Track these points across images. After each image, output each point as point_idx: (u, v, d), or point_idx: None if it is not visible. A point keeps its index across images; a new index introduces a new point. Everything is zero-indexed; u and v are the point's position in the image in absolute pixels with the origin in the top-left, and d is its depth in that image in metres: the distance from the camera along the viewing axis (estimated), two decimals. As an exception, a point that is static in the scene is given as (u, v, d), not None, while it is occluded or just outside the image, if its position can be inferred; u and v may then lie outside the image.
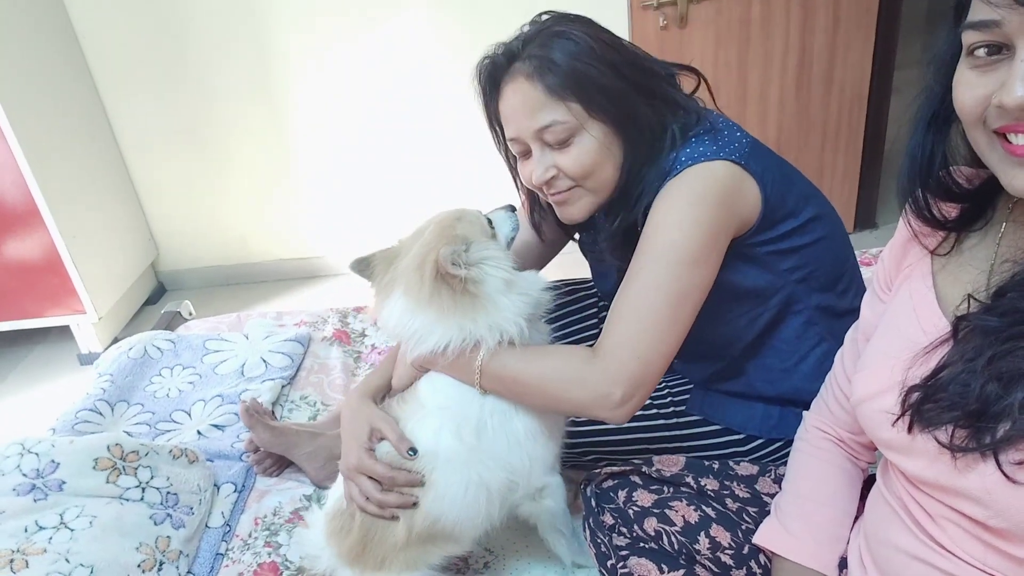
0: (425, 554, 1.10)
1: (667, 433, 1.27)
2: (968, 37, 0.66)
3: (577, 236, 1.36)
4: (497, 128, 1.17)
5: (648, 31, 2.55)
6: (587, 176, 1.08)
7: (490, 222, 1.14)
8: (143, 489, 1.33)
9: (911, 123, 0.76)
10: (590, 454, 1.31)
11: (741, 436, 1.23)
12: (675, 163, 1.04)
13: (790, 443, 1.03)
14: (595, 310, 1.51)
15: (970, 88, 0.66)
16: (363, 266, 1.14)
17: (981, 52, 0.65)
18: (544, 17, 1.11)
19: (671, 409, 1.28)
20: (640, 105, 1.05)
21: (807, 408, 1.03)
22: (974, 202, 0.76)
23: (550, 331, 1.17)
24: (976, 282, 0.73)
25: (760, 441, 1.23)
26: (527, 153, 1.11)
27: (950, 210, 0.78)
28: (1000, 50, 0.64)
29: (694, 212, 1.00)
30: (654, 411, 1.28)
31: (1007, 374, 0.64)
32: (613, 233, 1.11)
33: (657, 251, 1.00)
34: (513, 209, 1.19)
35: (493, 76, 1.11)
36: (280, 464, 1.52)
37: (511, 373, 1.03)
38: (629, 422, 1.26)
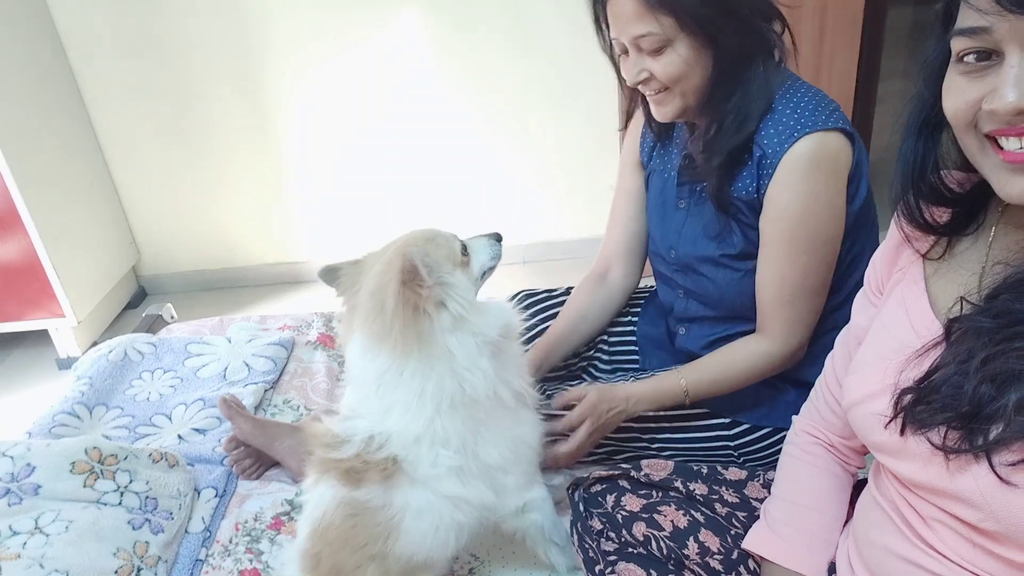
0: None
1: (654, 414, 1.31)
2: (957, 44, 0.66)
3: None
4: (603, 25, 1.21)
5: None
6: (676, 82, 1.14)
7: (465, 248, 1.10)
8: (121, 493, 1.30)
9: (902, 129, 0.77)
10: None
11: (727, 420, 1.29)
12: (792, 128, 1.10)
13: (776, 432, 1.04)
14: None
15: (960, 94, 0.67)
16: (331, 275, 1.12)
17: (971, 58, 0.65)
18: None
19: None
20: (728, 31, 1.10)
21: (805, 389, 1.05)
22: (965, 206, 0.77)
23: (524, 352, 1.20)
24: (968, 285, 0.73)
25: (746, 427, 1.28)
26: (627, 52, 1.16)
27: (941, 214, 0.78)
28: (989, 56, 0.64)
29: (826, 195, 1.12)
30: None
31: (1000, 376, 0.64)
32: (716, 158, 1.17)
33: (805, 240, 1.13)
34: (499, 239, 1.17)
35: None
36: (260, 464, 1.50)
37: (707, 387, 1.24)
38: None
